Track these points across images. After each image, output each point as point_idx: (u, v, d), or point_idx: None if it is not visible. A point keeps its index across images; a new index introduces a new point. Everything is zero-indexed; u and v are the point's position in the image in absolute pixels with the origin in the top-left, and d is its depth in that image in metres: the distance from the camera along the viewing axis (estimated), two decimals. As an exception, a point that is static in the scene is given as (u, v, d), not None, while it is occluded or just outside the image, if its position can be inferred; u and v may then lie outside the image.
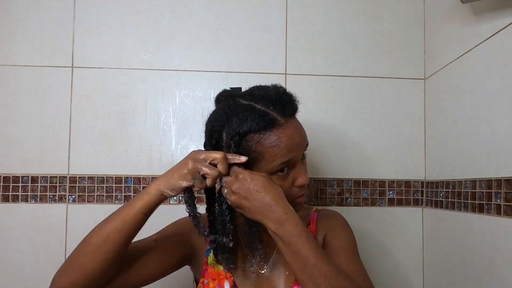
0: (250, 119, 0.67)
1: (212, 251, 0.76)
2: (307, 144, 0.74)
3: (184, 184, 0.64)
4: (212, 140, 0.71)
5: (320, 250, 0.64)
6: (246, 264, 0.77)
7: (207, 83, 1.12)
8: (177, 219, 0.82)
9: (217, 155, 0.65)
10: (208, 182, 0.65)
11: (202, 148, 0.73)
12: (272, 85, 0.74)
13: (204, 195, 0.74)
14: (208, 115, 0.74)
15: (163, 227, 0.80)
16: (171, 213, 0.85)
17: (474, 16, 0.91)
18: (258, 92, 0.72)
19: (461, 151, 0.96)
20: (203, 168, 0.64)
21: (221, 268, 0.76)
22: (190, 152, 0.67)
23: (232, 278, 0.75)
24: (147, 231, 0.84)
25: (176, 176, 0.65)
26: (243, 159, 0.67)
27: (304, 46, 1.14)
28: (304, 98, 1.12)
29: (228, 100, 0.73)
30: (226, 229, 0.69)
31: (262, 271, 0.76)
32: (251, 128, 0.67)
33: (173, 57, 1.12)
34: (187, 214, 0.69)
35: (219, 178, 0.67)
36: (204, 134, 0.74)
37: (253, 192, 0.65)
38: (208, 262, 0.77)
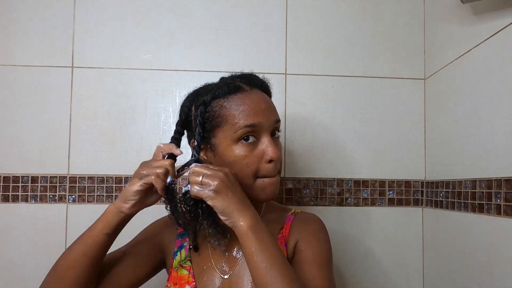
0: (216, 88, 0.70)
1: (179, 251, 0.76)
2: (278, 121, 0.72)
3: (135, 188, 0.63)
4: (182, 115, 0.73)
5: (283, 253, 0.63)
6: (209, 269, 0.74)
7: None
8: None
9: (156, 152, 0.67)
10: (160, 172, 0.63)
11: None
12: None
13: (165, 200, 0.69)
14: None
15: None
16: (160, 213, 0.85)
17: (474, 16, 0.91)
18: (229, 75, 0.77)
19: (461, 151, 0.96)
20: (151, 165, 0.64)
21: (184, 272, 0.73)
22: None
23: (194, 283, 0.72)
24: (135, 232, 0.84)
25: (127, 187, 0.64)
26: (178, 152, 0.67)
27: (304, 46, 1.14)
28: (304, 98, 1.13)
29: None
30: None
31: (225, 276, 0.72)
32: (216, 94, 0.69)
33: (173, 57, 1.12)
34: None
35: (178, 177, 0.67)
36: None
37: (230, 185, 0.62)
38: (173, 265, 0.75)
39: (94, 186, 1.08)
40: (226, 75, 1.11)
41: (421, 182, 1.15)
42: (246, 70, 1.11)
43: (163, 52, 1.12)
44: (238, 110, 0.67)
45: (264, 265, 0.59)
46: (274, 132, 0.73)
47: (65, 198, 1.08)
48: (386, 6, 1.16)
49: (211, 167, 0.64)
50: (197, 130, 0.68)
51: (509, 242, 0.78)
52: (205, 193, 0.61)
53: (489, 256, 0.84)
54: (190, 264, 0.74)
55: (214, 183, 0.61)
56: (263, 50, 1.13)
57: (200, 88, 0.76)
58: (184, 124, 0.73)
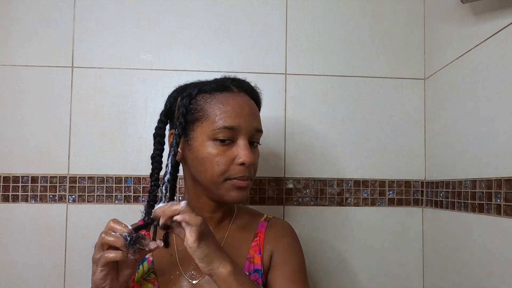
0: (205, 83, 0.71)
1: (141, 264, 0.72)
2: (259, 130, 0.72)
3: (99, 275, 0.57)
4: (167, 104, 0.74)
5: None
6: (177, 278, 0.71)
7: (207, 83, 1.12)
8: None
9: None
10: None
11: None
12: None
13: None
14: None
15: None
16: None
17: (474, 16, 0.91)
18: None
19: (461, 151, 0.96)
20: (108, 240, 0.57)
21: (149, 285, 0.70)
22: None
23: None
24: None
25: (92, 279, 0.58)
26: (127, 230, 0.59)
27: (304, 46, 1.14)
28: (304, 98, 1.13)
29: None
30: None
31: (194, 282, 0.70)
32: (202, 89, 0.70)
33: (173, 57, 1.12)
34: None
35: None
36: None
37: (209, 231, 0.60)
38: (135, 279, 0.72)
39: (94, 186, 1.08)
40: (226, 75, 1.12)
41: (421, 182, 1.15)
42: (246, 70, 1.12)
43: (163, 52, 1.12)
44: (220, 109, 0.67)
45: None
46: (253, 141, 0.72)
47: (65, 198, 1.08)
48: (386, 6, 1.16)
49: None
50: (178, 120, 0.68)
51: (509, 242, 0.78)
52: (189, 239, 0.56)
53: (489, 256, 0.84)
54: (154, 276, 0.71)
55: (196, 227, 0.57)
56: (263, 50, 1.13)
57: (191, 82, 0.77)
58: (167, 113, 0.74)
